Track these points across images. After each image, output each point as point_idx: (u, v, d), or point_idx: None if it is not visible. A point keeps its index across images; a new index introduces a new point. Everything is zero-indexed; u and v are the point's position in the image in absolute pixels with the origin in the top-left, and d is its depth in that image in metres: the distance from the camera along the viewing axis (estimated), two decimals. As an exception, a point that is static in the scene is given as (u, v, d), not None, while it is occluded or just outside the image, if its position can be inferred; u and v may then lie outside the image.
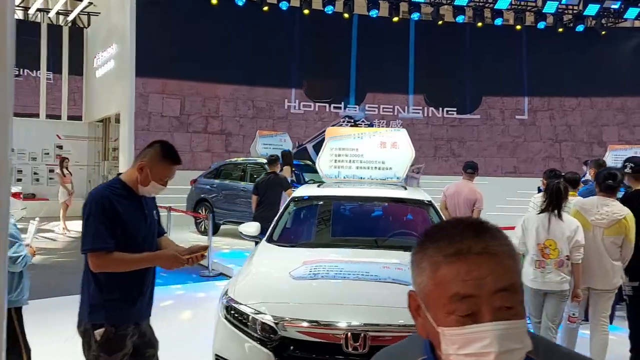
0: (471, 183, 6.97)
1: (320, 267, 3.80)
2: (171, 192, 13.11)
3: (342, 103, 16.26)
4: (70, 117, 18.58)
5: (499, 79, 16.66)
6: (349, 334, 3.13)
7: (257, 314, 3.31)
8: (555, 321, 4.54)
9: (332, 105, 16.08)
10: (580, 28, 16.68)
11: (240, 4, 14.40)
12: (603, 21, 17.20)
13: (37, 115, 18.00)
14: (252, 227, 4.84)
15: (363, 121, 16.14)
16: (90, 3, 16.25)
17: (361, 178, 5.83)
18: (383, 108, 16.57)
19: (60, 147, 18.24)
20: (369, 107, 16.46)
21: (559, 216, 4.41)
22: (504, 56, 16.51)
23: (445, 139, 16.99)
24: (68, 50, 18.21)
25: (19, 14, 18.50)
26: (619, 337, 4.90)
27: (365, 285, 3.54)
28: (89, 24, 18.67)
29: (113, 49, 15.33)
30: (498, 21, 16.18)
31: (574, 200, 5.65)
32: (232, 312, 3.43)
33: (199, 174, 12.92)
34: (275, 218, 4.99)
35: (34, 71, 18.01)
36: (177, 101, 14.57)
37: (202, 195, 12.36)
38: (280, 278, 3.71)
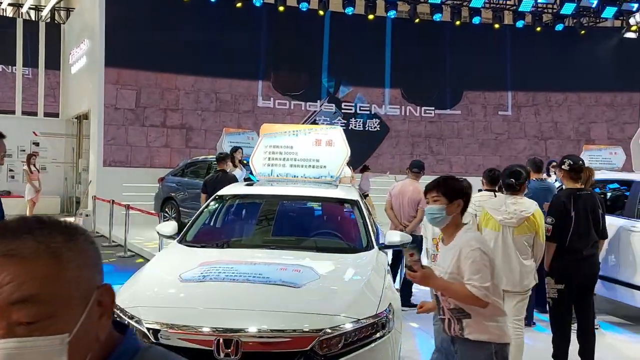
0: (416, 183, 6.84)
1: (213, 269, 3.67)
2: (134, 190, 13.01)
3: (318, 101, 16.11)
4: (48, 114, 18.42)
5: (480, 75, 16.30)
6: (221, 339, 3.00)
7: (132, 319, 3.18)
8: None
9: (308, 103, 15.89)
10: (559, 27, 16.55)
11: (212, 0, 14.24)
12: (583, 20, 17.08)
13: (12, 112, 17.83)
14: (168, 227, 4.71)
15: (339, 120, 15.99)
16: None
17: (295, 176, 5.69)
18: (360, 106, 16.41)
19: (37, 144, 18.10)
20: (345, 105, 16.30)
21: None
22: (485, 52, 16.18)
23: (423, 135, 16.78)
24: (44, 46, 18.05)
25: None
26: (546, 341, 4.76)
27: (250, 288, 3.42)
28: (67, 20, 18.53)
29: (85, 44, 15.20)
30: (476, 20, 16.05)
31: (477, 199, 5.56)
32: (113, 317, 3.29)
33: (157, 171, 12.81)
34: (193, 218, 4.87)
35: (10, 67, 17.83)
36: (132, 92, 14.22)
37: (169, 194, 12.22)
38: (168, 281, 3.60)
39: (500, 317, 2.80)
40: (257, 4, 14.67)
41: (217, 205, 5.06)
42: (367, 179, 13.20)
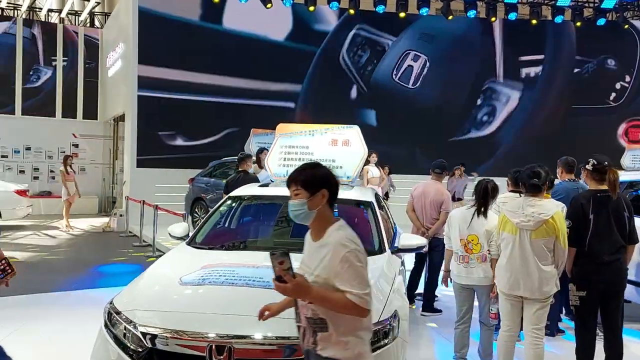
0: (439, 184, 6.62)
1: (214, 272, 3.60)
2: (167, 190, 13.19)
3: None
4: (87, 117, 18.91)
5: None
6: (213, 345, 2.91)
7: (129, 323, 3.13)
8: (489, 318, 4.57)
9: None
10: (601, 22, 15.91)
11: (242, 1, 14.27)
12: (627, 14, 16.39)
13: (53, 115, 18.37)
14: (179, 228, 4.67)
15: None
16: (98, 3, 16.43)
17: (310, 177, 5.57)
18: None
19: (76, 146, 18.61)
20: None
21: (484, 214, 4.57)
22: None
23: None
24: (84, 50, 18.53)
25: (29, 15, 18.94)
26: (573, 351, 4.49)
27: (248, 292, 3.32)
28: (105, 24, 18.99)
29: (120, 48, 15.50)
30: (512, 15, 15.60)
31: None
32: (111, 320, 3.27)
33: (190, 172, 12.92)
34: (203, 219, 4.82)
35: (50, 70, 18.33)
36: (165, 94, 14.39)
37: (199, 194, 12.32)
38: (168, 284, 3.54)
39: (364, 331, 2.43)
40: (287, 5, 14.63)
41: (228, 206, 5.00)
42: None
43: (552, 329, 5.49)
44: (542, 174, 4.08)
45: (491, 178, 4.81)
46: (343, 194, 5.04)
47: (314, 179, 2.46)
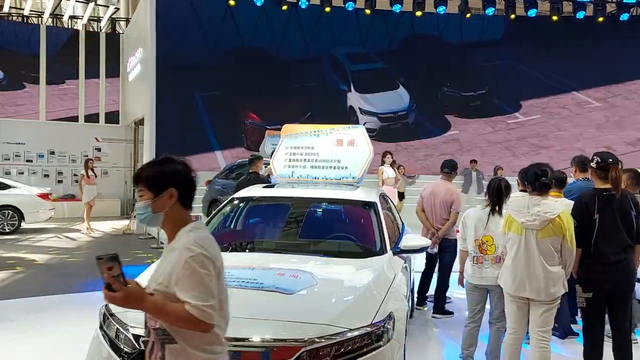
0: (449, 183, 6.51)
1: (209, 273, 3.58)
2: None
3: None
4: (109, 121, 19.20)
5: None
6: None
7: (122, 325, 3.14)
8: (501, 319, 4.49)
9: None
10: (624, 16, 15.53)
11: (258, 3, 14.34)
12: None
13: (76, 119, 18.71)
14: (182, 230, 4.67)
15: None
16: (117, 9, 16.68)
17: (315, 178, 5.55)
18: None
19: (99, 150, 18.93)
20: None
21: (499, 213, 4.47)
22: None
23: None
24: (105, 55, 18.83)
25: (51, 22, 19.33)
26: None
27: (241, 294, 3.29)
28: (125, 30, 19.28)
29: (139, 52, 15.71)
30: (532, 12, 15.33)
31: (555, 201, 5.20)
32: (105, 322, 3.28)
33: (208, 174, 12.99)
34: (206, 220, 4.83)
35: (74, 75, 18.65)
36: (182, 98, 14.46)
37: (216, 196, 12.39)
38: None
39: (218, 346, 2.12)
40: (303, 6, 14.64)
41: (231, 208, 5.00)
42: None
43: (561, 331, 5.35)
44: (549, 172, 3.98)
45: (503, 176, 4.74)
46: (345, 194, 5.04)
47: (159, 177, 2.16)
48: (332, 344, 2.97)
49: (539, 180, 3.93)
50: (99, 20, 19.47)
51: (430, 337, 5.74)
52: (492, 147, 16.32)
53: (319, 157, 5.60)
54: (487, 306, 4.73)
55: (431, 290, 6.76)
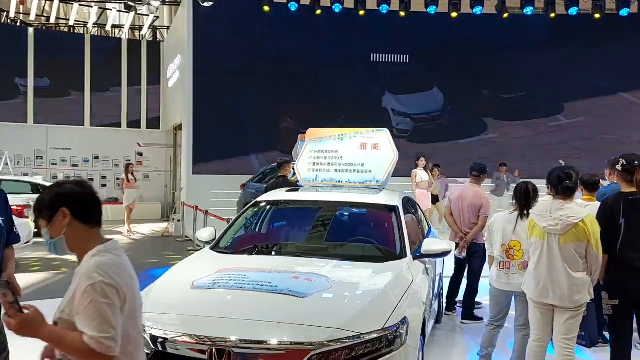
0: (477, 187, 6.39)
1: (225, 277, 3.65)
2: (222, 196, 13.51)
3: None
4: (150, 126, 19.70)
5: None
6: (214, 349, 2.95)
7: None
8: (524, 325, 4.40)
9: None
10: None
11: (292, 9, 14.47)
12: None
13: (119, 125, 19.28)
14: (206, 233, 4.77)
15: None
16: (157, 17, 17.12)
17: (339, 182, 5.56)
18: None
19: (141, 154, 19.48)
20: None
21: (527, 217, 4.32)
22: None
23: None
24: (146, 62, 19.34)
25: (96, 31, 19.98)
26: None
27: (254, 297, 3.34)
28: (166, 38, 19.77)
29: (178, 59, 16.09)
30: (573, 10, 14.91)
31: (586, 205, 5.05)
32: None
33: (243, 178, 13.14)
34: (229, 224, 4.91)
35: (116, 82, 19.20)
36: (219, 103, 14.65)
37: (250, 200, 12.51)
38: (180, 287, 3.62)
39: None
40: (337, 10, 14.68)
41: (253, 211, 5.07)
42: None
43: (588, 340, 5.17)
44: (573, 175, 3.87)
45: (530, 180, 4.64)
46: (368, 198, 5.03)
47: (47, 201, 2.06)
48: (342, 347, 2.98)
49: (562, 183, 3.82)
50: (140, 29, 20.02)
51: (457, 344, 5.65)
52: (532, 150, 15.91)
53: (342, 160, 5.60)
54: (512, 312, 4.64)
55: (460, 296, 6.66)
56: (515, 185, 4.94)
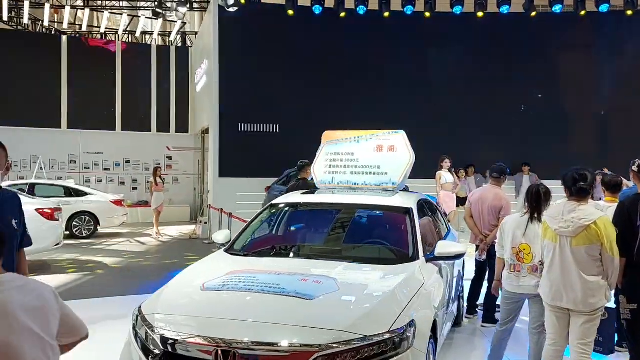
0: (498, 188, 6.30)
1: (235, 278, 3.70)
2: (248, 199, 13.61)
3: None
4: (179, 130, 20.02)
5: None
6: (219, 350, 3.00)
7: (149, 327, 3.30)
8: (539, 328, 4.35)
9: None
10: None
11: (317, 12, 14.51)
12: None
13: (149, 129, 19.65)
14: (221, 235, 4.84)
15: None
16: (184, 23, 17.39)
17: (355, 184, 5.56)
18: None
19: (170, 158, 19.83)
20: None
21: (539, 220, 4.30)
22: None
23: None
24: (175, 67, 19.68)
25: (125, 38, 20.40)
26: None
27: (261, 299, 3.37)
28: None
29: (205, 64, 16.32)
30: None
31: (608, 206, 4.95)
32: (137, 323, 3.46)
33: (269, 181, 13.23)
34: (244, 226, 4.97)
35: (146, 87, 19.58)
36: (244, 107, 14.79)
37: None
38: (191, 289, 3.68)
39: None
40: (361, 12, 14.67)
41: (269, 214, 5.11)
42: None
43: (606, 347, 5.03)
44: (588, 176, 3.79)
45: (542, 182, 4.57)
46: (382, 200, 5.02)
47: None
48: (347, 350, 2.99)
49: (576, 185, 3.75)
50: (169, 34, 20.39)
51: (476, 347, 5.58)
52: None
53: (359, 163, 5.60)
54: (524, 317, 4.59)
55: (482, 299, 6.58)
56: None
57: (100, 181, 18.96)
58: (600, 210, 4.73)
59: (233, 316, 3.21)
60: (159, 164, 17.70)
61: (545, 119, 15.28)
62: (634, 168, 3.83)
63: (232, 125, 14.74)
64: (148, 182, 18.46)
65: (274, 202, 5.24)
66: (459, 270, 6.01)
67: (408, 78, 15.36)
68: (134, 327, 3.48)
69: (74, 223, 13.93)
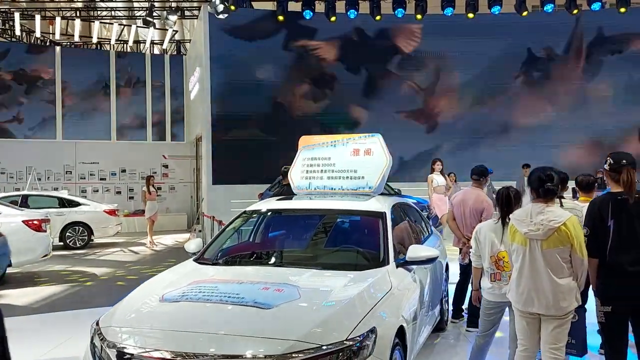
0: (479, 190, 6.20)
1: (195, 289, 3.62)
2: (242, 206, 13.56)
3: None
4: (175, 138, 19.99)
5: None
6: None
7: (102, 340, 3.23)
8: None
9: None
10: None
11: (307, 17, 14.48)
12: None
13: (144, 139, 19.63)
14: (194, 244, 4.76)
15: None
16: (176, 31, 17.40)
17: (332, 189, 5.47)
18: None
19: (166, 166, 19.79)
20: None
21: None
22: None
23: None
24: (169, 75, 19.67)
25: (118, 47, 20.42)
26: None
27: (218, 309, 3.29)
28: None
29: (197, 72, 16.32)
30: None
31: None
32: (93, 336, 3.38)
33: (262, 188, 13.16)
34: (216, 234, 4.89)
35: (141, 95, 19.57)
36: (237, 114, 14.66)
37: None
38: (149, 300, 3.60)
39: None
40: (352, 16, 14.63)
41: (241, 222, 5.03)
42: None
43: (579, 348, 4.90)
44: (554, 176, 3.69)
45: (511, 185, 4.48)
46: (355, 205, 4.94)
47: None
48: (301, 360, 2.90)
49: (542, 186, 3.64)
50: (161, 43, 20.40)
51: (458, 352, 5.47)
52: None
53: (335, 167, 5.51)
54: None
55: (467, 303, 6.47)
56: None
57: (97, 191, 18.94)
58: (579, 210, 4.65)
59: (185, 327, 3.12)
60: (153, 174, 17.54)
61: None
62: (605, 167, 3.73)
63: (225, 132, 14.71)
64: (142, 191, 18.50)
65: (247, 209, 5.17)
66: (442, 274, 5.90)
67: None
68: (91, 341, 3.40)
69: (67, 234, 13.87)
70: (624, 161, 3.62)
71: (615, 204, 3.61)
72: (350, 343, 3.05)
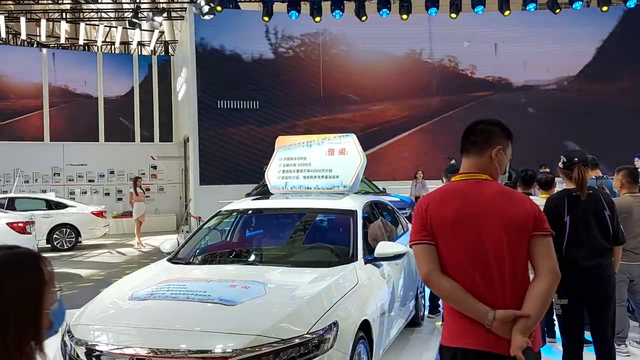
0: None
1: (164, 287, 3.71)
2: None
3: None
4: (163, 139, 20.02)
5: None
6: (134, 359, 3.01)
7: (71, 337, 3.32)
8: None
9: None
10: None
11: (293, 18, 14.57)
12: None
13: (132, 140, 19.65)
14: (168, 244, 4.85)
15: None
16: (162, 33, 17.45)
17: (308, 188, 5.58)
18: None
19: (155, 167, 19.80)
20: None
21: None
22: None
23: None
24: (157, 76, 19.69)
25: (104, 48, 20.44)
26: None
27: (184, 306, 3.39)
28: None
29: (184, 73, 16.38)
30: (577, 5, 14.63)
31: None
32: (64, 334, 3.47)
33: (249, 188, 13.25)
34: (190, 234, 4.98)
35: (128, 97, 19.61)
36: (223, 115, 14.76)
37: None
38: (119, 299, 3.69)
39: None
40: (337, 17, 14.72)
41: (216, 221, 5.13)
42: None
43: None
44: (512, 174, 3.82)
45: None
46: (327, 203, 5.05)
47: None
48: (260, 354, 3.00)
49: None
50: (149, 44, 20.44)
51: (430, 346, 5.58)
52: None
53: (311, 167, 5.62)
54: None
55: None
56: None
57: (85, 193, 18.94)
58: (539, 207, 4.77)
59: (149, 324, 3.22)
60: (140, 175, 17.53)
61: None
62: (560, 164, 3.85)
63: (211, 132, 14.78)
64: (130, 192, 18.53)
65: (222, 209, 5.26)
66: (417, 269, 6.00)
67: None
68: (62, 339, 3.49)
69: (54, 235, 13.90)
70: (576, 159, 3.74)
71: (570, 201, 3.73)
72: (312, 336, 3.15)
